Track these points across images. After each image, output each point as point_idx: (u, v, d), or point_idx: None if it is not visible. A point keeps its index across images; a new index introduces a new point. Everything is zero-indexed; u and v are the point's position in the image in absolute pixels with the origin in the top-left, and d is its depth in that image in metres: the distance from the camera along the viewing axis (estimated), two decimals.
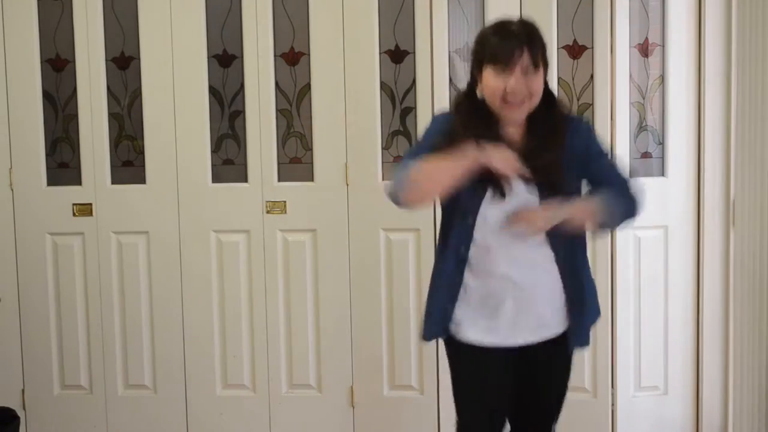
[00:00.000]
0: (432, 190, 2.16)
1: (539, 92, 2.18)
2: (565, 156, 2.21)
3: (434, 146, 2.18)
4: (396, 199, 2.18)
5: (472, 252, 2.24)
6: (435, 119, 2.36)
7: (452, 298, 2.28)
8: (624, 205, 2.28)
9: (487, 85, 2.17)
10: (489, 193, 2.19)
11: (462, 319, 2.28)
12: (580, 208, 2.21)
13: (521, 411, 2.40)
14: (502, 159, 2.08)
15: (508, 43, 2.13)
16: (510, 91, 2.13)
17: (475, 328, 2.27)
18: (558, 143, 2.20)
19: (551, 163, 2.18)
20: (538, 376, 2.35)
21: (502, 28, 2.19)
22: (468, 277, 2.26)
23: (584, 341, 2.34)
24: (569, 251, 2.26)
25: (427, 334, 2.36)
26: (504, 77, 2.13)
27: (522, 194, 2.19)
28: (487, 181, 2.15)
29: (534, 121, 2.22)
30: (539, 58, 2.15)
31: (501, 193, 2.18)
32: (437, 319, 2.31)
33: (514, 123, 2.21)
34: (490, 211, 2.21)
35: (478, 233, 2.23)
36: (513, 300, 2.24)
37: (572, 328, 2.30)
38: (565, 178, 2.21)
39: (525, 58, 2.12)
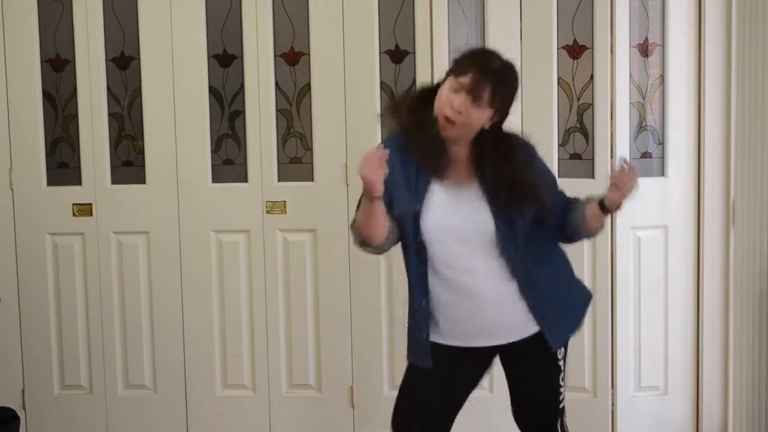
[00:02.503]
0: (371, 232, 2.25)
1: (476, 127, 2.21)
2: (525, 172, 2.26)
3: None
4: (361, 248, 2.34)
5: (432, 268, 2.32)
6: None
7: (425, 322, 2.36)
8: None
9: (440, 95, 2.21)
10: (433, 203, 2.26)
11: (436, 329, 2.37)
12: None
13: (519, 413, 2.46)
14: (366, 166, 2.10)
15: (479, 70, 2.18)
16: (450, 106, 2.17)
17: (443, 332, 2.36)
18: (506, 157, 2.25)
19: (505, 175, 2.24)
20: (519, 378, 2.43)
21: (486, 56, 2.25)
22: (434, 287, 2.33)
23: (557, 343, 2.37)
24: (526, 264, 2.29)
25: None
26: (455, 94, 2.17)
27: (467, 209, 2.26)
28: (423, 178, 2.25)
29: (480, 143, 2.26)
30: (495, 100, 2.18)
31: (438, 174, 2.25)
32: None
33: (458, 144, 2.25)
34: (438, 224, 2.26)
35: (431, 247, 2.29)
36: (470, 308, 2.30)
37: (544, 331, 2.33)
38: (524, 186, 2.24)
39: (482, 93, 2.16)
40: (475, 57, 2.24)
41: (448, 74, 2.23)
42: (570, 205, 2.36)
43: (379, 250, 2.33)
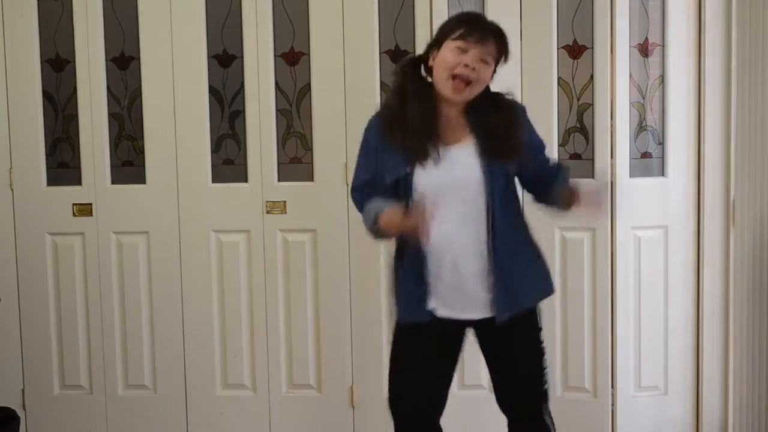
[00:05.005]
0: (392, 234, 2.34)
1: (484, 83, 2.32)
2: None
3: (371, 167, 2.39)
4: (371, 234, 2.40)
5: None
6: (370, 127, 2.48)
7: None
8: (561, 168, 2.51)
9: (443, 59, 2.29)
10: (419, 167, 2.32)
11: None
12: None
13: (502, 392, 2.50)
14: (416, 225, 2.18)
15: (480, 27, 2.30)
16: (464, 65, 2.25)
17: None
18: (501, 111, 2.35)
19: (501, 126, 2.32)
20: (503, 352, 2.45)
21: (477, 17, 2.41)
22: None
23: (505, 309, 2.37)
24: (506, 223, 2.36)
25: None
26: (462, 55, 2.26)
27: (463, 161, 2.32)
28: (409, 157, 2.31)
29: (475, 105, 2.35)
30: (500, 54, 2.32)
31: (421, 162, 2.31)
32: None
33: (452, 105, 2.34)
34: (425, 182, 2.32)
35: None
36: (451, 277, 2.36)
37: (498, 300, 2.36)
38: (518, 141, 2.34)
39: (489, 48, 2.28)
40: (471, 18, 2.36)
41: (438, 41, 2.33)
42: (553, 172, 2.45)
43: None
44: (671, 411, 3.40)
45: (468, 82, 2.28)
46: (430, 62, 2.35)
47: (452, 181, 2.32)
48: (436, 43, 2.34)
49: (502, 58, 2.34)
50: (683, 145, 3.32)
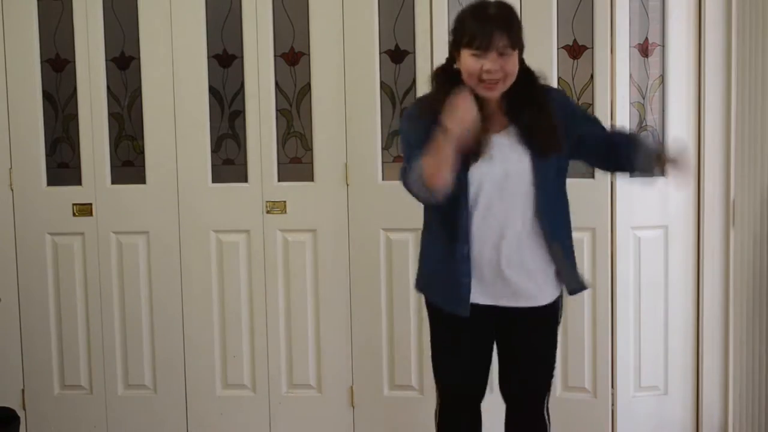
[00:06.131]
0: (446, 173, 2.22)
1: (514, 72, 2.29)
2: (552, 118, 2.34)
3: (421, 141, 2.28)
4: (424, 197, 2.30)
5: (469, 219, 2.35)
6: (406, 117, 2.49)
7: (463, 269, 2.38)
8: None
9: (465, 66, 2.28)
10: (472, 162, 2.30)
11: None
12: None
13: (509, 378, 2.52)
14: (456, 117, 2.17)
15: (485, 27, 2.23)
16: (486, 71, 2.24)
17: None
18: (540, 105, 2.33)
19: (541, 121, 2.31)
20: (520, 340, 2.48)
21: (480, 11, 2.29)
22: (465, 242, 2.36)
23: (575, 287, 2.46)
24: (554, 210, 2.40)
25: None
26: (480, 59, 2.24)
27: (512, 157, 2.32)
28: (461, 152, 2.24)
29: (511, 93, 2.32)
30: (515, 40, 2.26)
31: (475, 156, 2.28)
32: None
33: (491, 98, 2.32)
34: (480, 177, 2.32)
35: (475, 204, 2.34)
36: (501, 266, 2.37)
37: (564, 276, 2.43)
38: (559, 134, 2.33)
39: (500, 41, 2.23)
40: (475, 17, 2.28)
41: (456, 44, 2.30)
42: (623, 141, 2.42)
43: (440, 194, 2.26)
44: (671, 411, 3.40)
45: (497, 81, 2.26)
46: (457, 65, 2.34)
47: (500, 170, 2.32)
48: (455, 46, 2.33)
49: (521, 38, 2.30)
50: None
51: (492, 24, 2.24)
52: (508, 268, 2.36)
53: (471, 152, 2.27)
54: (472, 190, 2.32)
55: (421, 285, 2.54)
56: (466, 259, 2.35)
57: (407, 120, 2.46)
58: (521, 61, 2.33)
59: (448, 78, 2.36)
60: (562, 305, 2.52)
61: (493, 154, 2.30)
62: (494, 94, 2.30)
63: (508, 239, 2.34)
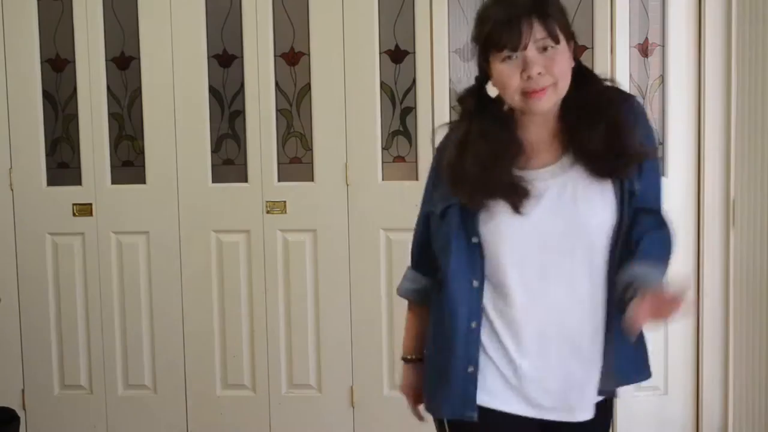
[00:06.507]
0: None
1: (566, 73, 1.62)
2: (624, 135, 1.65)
3: (429, 194, 1.81)
4: None
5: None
6: (436, 149, 1.82)
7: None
8: (667, 247, 1.85)
9: (498, 78, 1.63)
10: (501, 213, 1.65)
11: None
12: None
13: None
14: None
15: (511, 17, 1.58)
16: (528, 76, 1.59)
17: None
18: (605, 119, 1.64)
19: (606, 145, 1.64)
20: None
21: (508, 4, 1.62)
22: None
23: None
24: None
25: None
26: (516, 64, 1.59)
27: (576, 193, 1.66)
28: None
29: (568, 105, 1.67)
30: (557, 29, 1.60)
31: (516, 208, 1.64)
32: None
33: (540, 118, 1.68)
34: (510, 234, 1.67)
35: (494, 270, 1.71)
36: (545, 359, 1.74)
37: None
38: (633, 149, 1.65)
39: (537, 33, 1.58)
40: (495, 5, 1.64)
41: (483, 53, 1.64)
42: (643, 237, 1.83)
43: None
44: (671, 411, 3.40)
45: (544, 88, 1.60)
46: (492, 82, 1.67)
47: (549, 217, 1.66)
48: (482, 53, 1.65)
49: (568, 24, 1.64)
50: (683, 145, 3.32)
51: (520, 9, 1.58)
52: (570, 363, 1.77)
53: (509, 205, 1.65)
54: (482, 242, 1.72)
55: None
56: (473, 333, 1.77)
57: (436, 153, 1.82)
58: (575, 58, 1.66)
59: (480, 112, 1.70)
60: (615, 402, 1.99)
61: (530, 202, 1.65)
62: (547, 106, 1.63)
63: (564, 325, 1.76)
